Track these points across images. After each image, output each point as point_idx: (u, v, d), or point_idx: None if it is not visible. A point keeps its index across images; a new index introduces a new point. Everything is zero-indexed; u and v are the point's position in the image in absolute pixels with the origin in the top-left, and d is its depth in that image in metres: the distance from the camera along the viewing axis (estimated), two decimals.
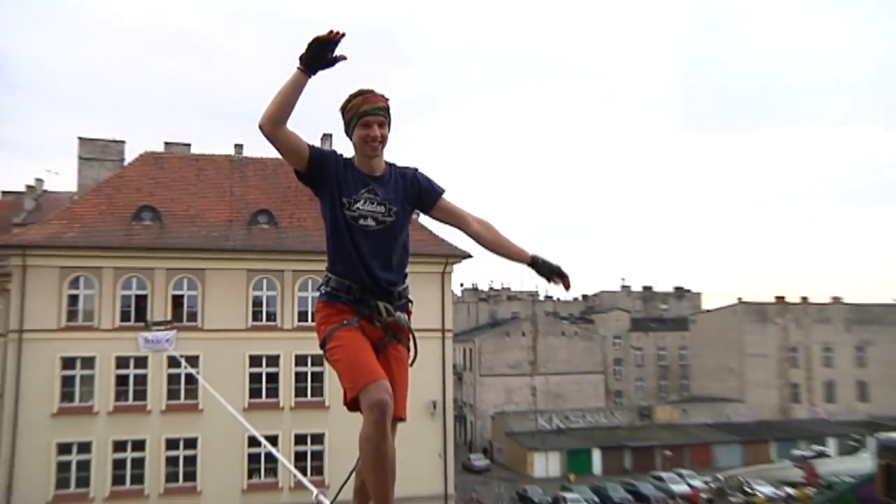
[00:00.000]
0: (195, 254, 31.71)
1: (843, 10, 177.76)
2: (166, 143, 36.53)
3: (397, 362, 3.17)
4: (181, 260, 31.53)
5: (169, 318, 30.12)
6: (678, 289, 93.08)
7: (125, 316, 30.66)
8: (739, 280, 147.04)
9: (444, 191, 3.34)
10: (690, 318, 78.55)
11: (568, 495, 44.16)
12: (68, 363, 30.01)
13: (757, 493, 41.89)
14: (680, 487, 46.34)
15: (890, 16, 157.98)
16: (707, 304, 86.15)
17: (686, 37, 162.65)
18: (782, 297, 69.43)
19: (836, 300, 70.65)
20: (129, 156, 35.51)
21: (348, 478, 3.35)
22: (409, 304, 3.33)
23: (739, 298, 69.84)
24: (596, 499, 44.81)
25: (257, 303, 32.59)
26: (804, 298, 69.87)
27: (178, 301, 31.53)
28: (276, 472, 31.47)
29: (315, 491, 3.72)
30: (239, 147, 37.22)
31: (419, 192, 3.26)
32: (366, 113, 3.05)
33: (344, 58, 2.82)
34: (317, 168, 3.09)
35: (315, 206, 35.04)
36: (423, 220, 29.66)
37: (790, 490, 41.69)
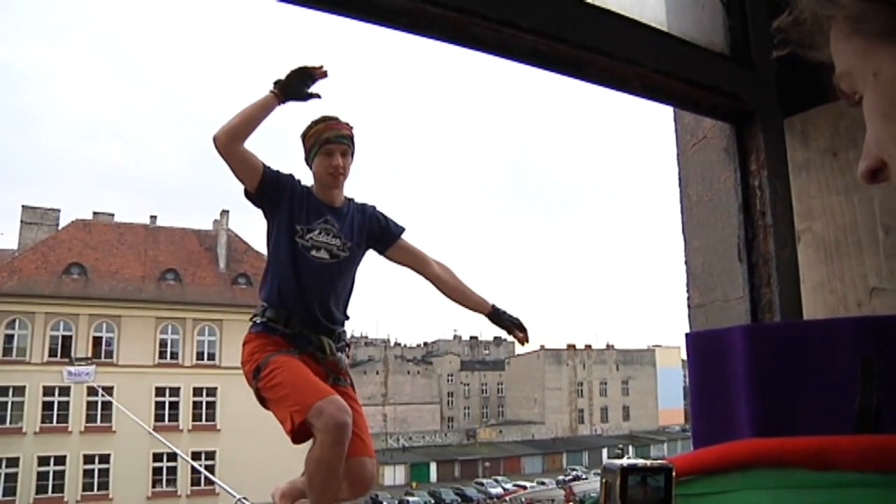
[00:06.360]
0: (114, 303, 31.47)
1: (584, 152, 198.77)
2: (94, 213, 35.93)
3: (350, 399, 2.36)
4: (102, 308, 31.26)
5: (90, 355, 29.55)
6: (497, 338, 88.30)
7: (53, 352, 29.91)
8: (543, 331, 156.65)
9: (403, 230, 2.61)
10: (506, 360, 78.08)
11: (411, 499, 43.98)
12: (2, 391, 28.89)
13: None
14: (496, 490, 46.83)
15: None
16: (518, 350, 76.78)
17: (509, 149, 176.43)
18: (573, 345, 69.40)
19: (610, 346, 70.74)
20: (63, 221, 34.81)
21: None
22: (347, 348, 2.52)
23: (542, 346, 68.35)
24: (432, 501, 44.81)
25: (163, 344, 32.43)
26: (588, 345, 69.96)
27: (98, 341, 31.04)
28: (175, 483, 30.77)
29: (237, 496, 3.27)
30: (154, 218, 37.03)
31: (378, 231, 2.54)
32: (328, 140, 2.37)
33: (319, 96, 2.27)
34: (270, 189, 2.38)
35: (213, 267, 36.14)
36: None
37: None
